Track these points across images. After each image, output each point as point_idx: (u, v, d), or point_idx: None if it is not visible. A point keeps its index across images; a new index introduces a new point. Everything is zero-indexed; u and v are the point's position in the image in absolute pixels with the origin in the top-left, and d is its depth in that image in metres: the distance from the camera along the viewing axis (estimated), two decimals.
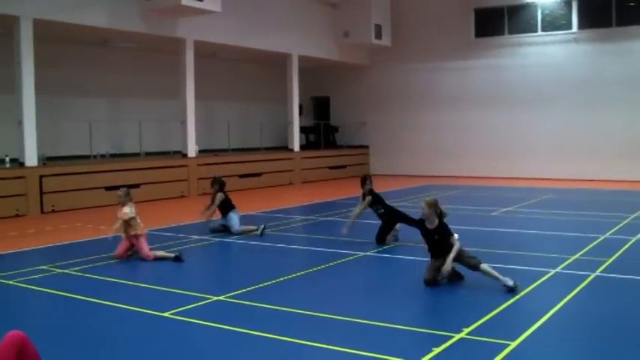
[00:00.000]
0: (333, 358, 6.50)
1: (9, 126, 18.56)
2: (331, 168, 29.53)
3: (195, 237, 13.70)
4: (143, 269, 10.92)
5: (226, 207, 14.31)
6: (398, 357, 6.33)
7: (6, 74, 18.62)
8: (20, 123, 18.00)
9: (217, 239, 13.48)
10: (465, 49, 29.59)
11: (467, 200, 20.34)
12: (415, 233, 12.84)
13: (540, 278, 9.51)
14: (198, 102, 23.43)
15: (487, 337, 6.88)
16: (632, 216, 15.88)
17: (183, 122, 22.65)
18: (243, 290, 9.05)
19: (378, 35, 29.14)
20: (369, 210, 13.00)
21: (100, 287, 9.50)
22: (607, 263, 10.47)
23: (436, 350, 6.47)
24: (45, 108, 19.61)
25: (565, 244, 12.50)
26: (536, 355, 6.58)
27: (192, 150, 22.79)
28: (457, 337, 6.88)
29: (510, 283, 8.79)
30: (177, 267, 11.17)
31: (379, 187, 23.76)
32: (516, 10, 28.50)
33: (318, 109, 34.19)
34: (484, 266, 9.12)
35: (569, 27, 27.37)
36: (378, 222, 12.99)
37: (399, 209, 13.23)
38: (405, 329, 7.24)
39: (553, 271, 9.95)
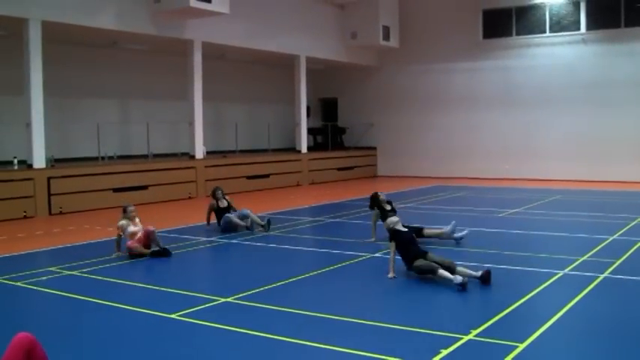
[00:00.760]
0: None
1: (17, 128, 18.62)
2: (339, 169, 29.51)
3: (203, 238, 13.71)
4: (151, 271, 10.93)
5: (220, 213, 14.83)
6: (406, 359, 6.32)
7: (14, 76, 18.69)
8: (28, 125, 18.04)
9: (224, 240, 13.48)
10: (472, 50, 29.54)
11: (474, 201, 20.30)
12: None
13: (548, 280, 9.48)
14: (206, 103, 23.44)
15: (496, 339, 6.86)
16: None
17: (191, 124, 22.67)
18: (251, 292, 9.04)
19: (386, 36, 29.12)
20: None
21: (108, 289, 9.51)
22: (616, 265, 10.43)
23: (445, 352, 6.45)
24: (53, 110, 19.67)
25: (573, 246, 12.46)
26: (546, 357, 6.55)
27: (199, 151, 22.80)
28: (465, 338, 6.87)
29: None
30: (184, 268, 11.19)
31: (386, 189, 23.87)
32: (524, 11, 28.42)
33: (326, 110, 34.19)
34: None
35: (578, 28, 27.28)
36: (381, 223, 12.96)
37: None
38: (413, 331, 7.23)
39: (561, 273, 9.92)
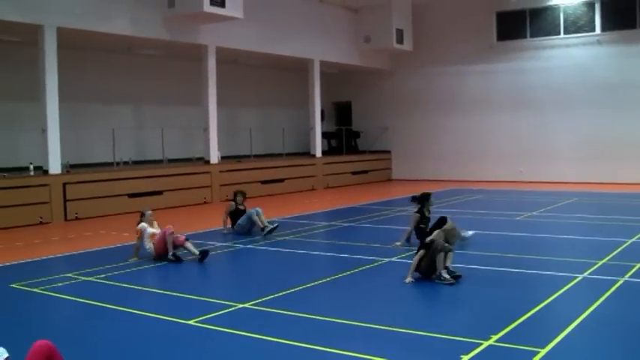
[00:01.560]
0: None
1: (33, 134, 18.69)
2: (353, 173, 29.47)
3: (219, 244, 13.69)
4: (167, 276, 10.92)
5: (235, 216, 15.07)
6: None
7: (30, 82, 18.77)
8: (44, 131, 18.09)
9: (240, 246, 13.46)
10: (487, 52, 29.43)
11: (490, 205, 20.21)
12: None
13: (568, 284, 9.39)
14: (221, 108, 23.45)
15: (516, 345, 6.78)
16: None
17: (206, 129, 22.68)
18: (268, 297, 9.00)
19: (400, 40, 29.04)
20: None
21: (125, 295, 9.50)
22: (636, 268, 10.32)
23: (465, 358, 6.38)
24: (68, 115, 19.73)
25: (592, 249, 12.36)
26: None
27: (214, 156, 22.81)
28: (486, 344, 6.80)
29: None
30: (201, 274, 11.19)
31: (401, 193, 23.80)
32: (538, 13, 28.30)
33: (340, 114, 34.16)
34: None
35: (593, 29, 27.13)
36: (401, 227, 12.94)
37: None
38: (432, 336, 7.17)
39: (580, 277, 9.83)
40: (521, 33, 28.74)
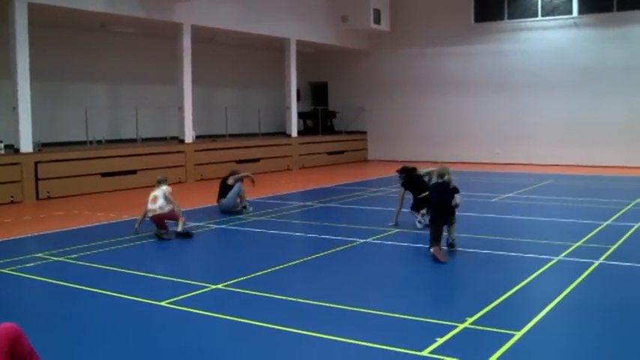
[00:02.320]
0: (334, 349, 6.35)
1: (3, 112, 18.34)
2: (329, 154, 29.33)
3: (192, 224, 13.50)
4: (141, 257, 10.76)
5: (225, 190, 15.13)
6: (401, 347, 6.19)
7: (0, 59, 18.40)
8: (15, 109, 17.76)
9: (215, 226, 13.33)
10: (464, 34, 29.33)
11: (466, 187, 20.01)
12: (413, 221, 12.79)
13: (543, 266, 9.37)
14: (196, 87, 23.20)
15: (491, 327, 6.73)
16: (634, 202, 15.73)
17: (180, 108, 22.43)
18: (242, 278, 8.90)
19: (377, 20, 28.87)
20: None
21: (96, 275, 9.35)
22: (610, 250, 10.33)
23: (440, 340, 6.32)
24: (41, 94, 19.41)
25: (567, 231, 12.36)
26: (543, 345, 6.41)
27: (189, 136, 22.58)
28: (461, 326, 6.74)
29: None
30: (174, 254, 11.06)
31: (376, 173, 23.75)
32: None
33: (316, 94, 33.96)
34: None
35: (570, 12, 27.10)
36: (376, 208, 12.86)
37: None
38: (408, 319, 7.10)
39: (556, 259, 9.81)
40: (499, 15, 28.67)
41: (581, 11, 26.88)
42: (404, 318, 7.13)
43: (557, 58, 27.25)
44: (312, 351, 6.36)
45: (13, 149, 18.09)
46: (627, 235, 11.71)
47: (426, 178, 12.91)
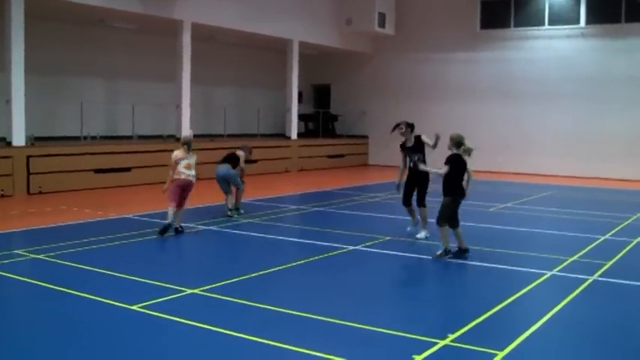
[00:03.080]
0: None
1: None
2: (329, 157, 29.02)
3: (182, 224, 13.19)
4: (121, 257, 10.43)
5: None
6: None
7: None
8: (8, 102, 17.50)
9: (203, 227, 13.00)
10: (470, 40, 29.02)
11: None
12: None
13: (534, 281, 9.03)
14: (195, 86, 22.91)
15: (473, 346, 6.39)
16: (634, 217, 15.39)
17: (178, 106, 22.14)
18: (221, 283, 8.60)
19: (382, 24, 28.58)
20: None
21: (72, 275, 9.05)
22: (606, 267, 9.99)
23: (417, 358, 5.99)
24: (36, 87, 19.18)
25: (563, 245, 12.04)
26: None
27: (186, 134, 22.26)
28: (441, 343, 6.40)
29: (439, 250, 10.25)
30: (156, 255, 10.76)
31: (375, 178, 23.43)
32: (523, 3, 27.91)
33: (318, 96, 33.64)
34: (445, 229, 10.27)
35: (577, 21, 26.79)
36: (372, 214, 12.56)
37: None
38: (386, 333, 6.76)
39: (549, 274, 9.48)
40: (506, 22, 28.36)
41: (588, 21, 26.56)
42: (382, 332, 6.78)
43: (562, 67, 26.92)
44: None
45: (5, 142, 17.81)
46: (625, 251, 11.37)
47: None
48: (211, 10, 22.04)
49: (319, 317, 7.23)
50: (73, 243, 11.11)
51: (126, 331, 6.81)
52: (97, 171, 19.42)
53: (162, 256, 10.86)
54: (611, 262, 10.32)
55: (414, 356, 6.01)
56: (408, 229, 12.33)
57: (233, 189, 14.57)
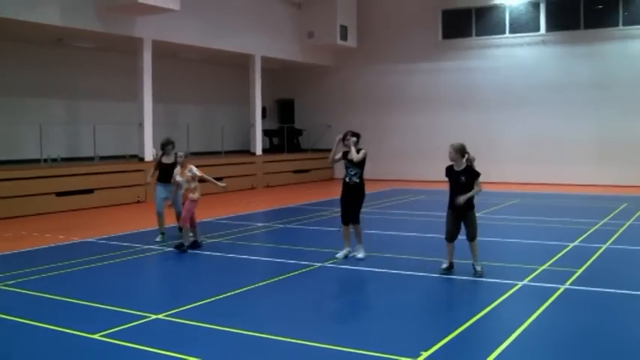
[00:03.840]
0: None
1: None
2: (295, 172, 28.81)
3: (146, 246, 12.90)
4: (83, 282, 10.10)
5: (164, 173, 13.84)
6: None
7: None
8: None
9: (167, 248, 12.70)
10: (432, 50, 29.07)
11: (429, 205, 19.73)
12: (378, 243, 12.29)
13: (506, 292, 8.88)
14: (157, 104, 22.61)
15: None
16: (602, 222, 15.38)
17: (141, 125, 21.80)
18: (186, 307, 8.33)
19: (344, 36, 28.53)
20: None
21: (30, 304, 8.71)
22: (577, 274, 9.89)
23: None
24: None
25: (533, 253, 11.92)
26: None
27: (149, 153, 21.93)
28: None
29: (478, 268, 9.81)
30: (119, 280, 10.43)
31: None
32: (484, 12, 28.06)
33: (282, 111, 33.47)
34: (475, 243, 9.93)
35: (537, 29, 26.97)
36: (335, 229, 12.36)
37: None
38: (355, 353, 6.53)
39: (520, 284, 9.34)
40: (467, 31, 28.48)
41: (548, 29, 26.76)
42: (351, 352, 6.56)
43: (525, 75, 27.05)
44: None
45: None
46: (594, 257, 11.30)
47: None
48: (172, 28, 21.75)
49: (287, 339, 7.01)
50: (32, 270, 10.75)
51: None
52: (59, 194, 19.01)
53: (126, 280, 10.53)
54: (581, 269, 10.22)
55: None
56: (339, 255, 11.41)
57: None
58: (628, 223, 15.18)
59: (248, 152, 27.15)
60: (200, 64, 27.62)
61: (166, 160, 13.88)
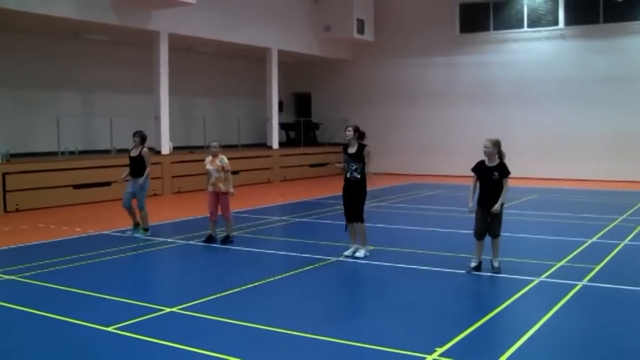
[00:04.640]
0: None
1: None
2: (311, 166, 28.77)
3: (161, 239, 12.92)
4: (99, 275, 10.11)
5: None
6: None
7: None
8: None
9: (182, 242, 12.70)
10: (449, 44, 28.92)
11: (448, 200, 19.64)
12: (394, 238, 12.24)
13: (523, 288, 8.80)
14: (174, 97, 22.63)
15: (463, 359, 6.15)
16: (621, 218, 15.24)
17: (157, 118, 21.82)
18: (201, 300, 8.31)
19: (361, 30, 28.44)
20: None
21: (46, 297, 8.72)
22: (595, 271, 9.79)
23: None
24: (11, 102, 18.82)
25: (550, 249, 11.83)
26: None
27: (165, 147, 21.98)
28: (429, 358, 6.15)
29: (496, 264, 9.75)
30: (134, 273, 10.46)
31: None
32: (502, 6, 27.87)
33: (299, 105, 33.44)
34: (498, 240, 9.83)
35: (556, 23, 26.77)
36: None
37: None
38: (369, 349, 6.49)
39: (537, 280, 9.25)
40: (485, 26, 28.31)
41: (567, 23, 26.54)
42: (365, 348, 6.52)
43: (542, 69, 26.86)
44: None
45: None
46: (613, 253, 11.19)
47: None
48: (188, 21, 21.76)
49: (302, 334, 6.97)
50: (48, 262, 10.79)
51: (99, 354, 6.51)
52: (76, 186, 19.08)
53: (141, 273, 10.56)
54: (599, 266, 10.12)
55: None
56: (346, 253, 11.19)
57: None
58: None
59: (265, 146, 27.14)
60: (216, 57, 27.61)
61: (133, 152, 13.73)
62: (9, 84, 18.33)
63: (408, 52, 29.73)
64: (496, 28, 28.02)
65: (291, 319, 7.52)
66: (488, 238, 9.88)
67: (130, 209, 13.61)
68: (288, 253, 11.80)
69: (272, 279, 9.64)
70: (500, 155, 10.28)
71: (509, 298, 8.34)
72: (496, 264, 9.75)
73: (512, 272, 9.73)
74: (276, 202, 19.90)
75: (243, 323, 7.36)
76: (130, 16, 20.07)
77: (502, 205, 9.86)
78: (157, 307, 8.01)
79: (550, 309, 7.78)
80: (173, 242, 12.70)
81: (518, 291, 8.66)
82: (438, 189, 22.79)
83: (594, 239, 12.56)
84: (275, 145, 26.94)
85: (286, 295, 8.89)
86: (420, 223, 15.11)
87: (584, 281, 9.15)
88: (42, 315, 7.76)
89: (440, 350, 6.34)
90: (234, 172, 21.16)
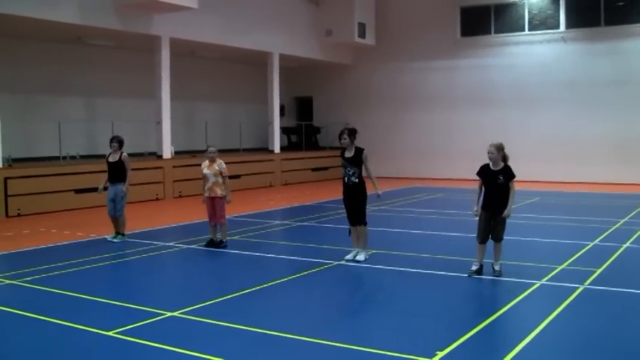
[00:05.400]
0: None
1: None
2: (313, 170, 28.77)
3: (162, 243, 12.92)
4: (100, 280, 10.13)
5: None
6: None
7: None
8: None
9: (184, 246, 12.70)
10: (450, 48, 28.93)
11: (449, 204, 19.64)
12: (396, 241, 12.23)
13: (524, 292, 8.79)
14: (176, 102, 22.65)
15: None
16: (622, 221, 15.22)
17: (159, 123, 21.84)
18: (202, 305, 8.30)
19: (362, 34, 28.46)
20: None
21: (48, 301, 8.73)
22: (596, 274, 9.77)
23: None
24: (13, 107, 18.83)
25: (552, 252, 11.82)
26: None
27: (167, 151, 22.00)
28: None
29: (497, 267, 9.76)
30: (136, 277, 10.46)
31: None
32: (503, 9, 27.89)
33: (301, 109, 33.46)
34: (501, 244, 9.85)
35: (557, 26, 26.78)
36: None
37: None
38: (370, 352, 6.48)
39: (538, 283, 9.25)
40: (486, 29, 28.32)
41: (568, 26, 26.55)
42: (367, 351, 6.52)
43: (544, 72, 26.86)
44: None
45: None
46: (614, 256, 11.17)
47: None
48: (190, 25, 21.78)
49: (303, 338, 6.97)
50: (50, 267, 10.79)
51: (100, 359, 6.51)
52: (78, 191, 19.08)
53: (142, 277, 10.55)
54: (601, 269, 10.11)
55: None
56: (347, 257, 11.09)
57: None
58: None
59: (266, 150, 27.15)
60: (218, 61, 27.65)
61: (111, 158, 13.62)
62: (11, 89, 18.36)
63: (409, 56, 29.75)
64: (497, 32, 28.03)
65: (292, 323, 7.52)
66: (489, 242, 9.85)
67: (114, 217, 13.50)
68: (289, 257, 11.81)
69: (273, 283, 9.63)
70: (505, 158, 10.24)
71: (510, 301, 8.33)
72: (497, 267, 9.74)
73: (513, 275, 9.73)
74: (278, 206, 19.88)
75: (244, 327, 7.36)
76: (132, 21, 20.10)
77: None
78: (157, 311, 8.01)
79: (551, 312, 7.77)
80: (174, 246, 12.70)
81: (520, 294, 8.66)
82: (438, 192, 22.80)
83: (596, 242, 12.55)
84: (276, 149, 26.95)
85: (287, 299, 8.88)
86: (421, 227, 15.12)
87: (586, 284, 9.14)
88: (43, 319, 7.76)
89: (441, 354, 6.34)
90: (236, 177, 21.20)
